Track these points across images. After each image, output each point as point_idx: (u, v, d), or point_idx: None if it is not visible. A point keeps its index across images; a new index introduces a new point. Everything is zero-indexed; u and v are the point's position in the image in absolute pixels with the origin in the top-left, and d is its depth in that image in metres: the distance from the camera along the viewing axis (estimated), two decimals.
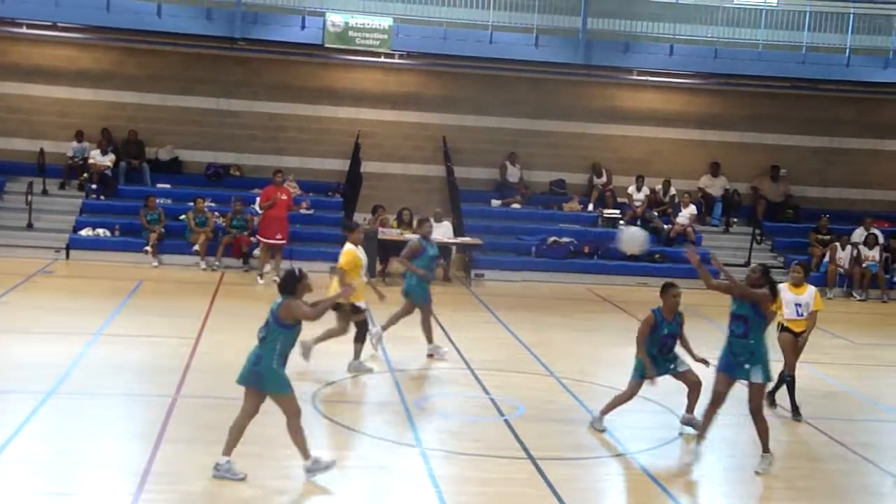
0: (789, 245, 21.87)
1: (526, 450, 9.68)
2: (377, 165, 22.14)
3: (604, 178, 22.61)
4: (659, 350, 10.41)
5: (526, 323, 15.93)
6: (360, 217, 20.80)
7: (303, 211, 20.23)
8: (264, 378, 8.39)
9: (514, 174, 22.50)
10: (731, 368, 9.53)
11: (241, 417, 8.51)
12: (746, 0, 22.30)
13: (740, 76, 21.62)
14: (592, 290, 19.75)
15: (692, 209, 21.94)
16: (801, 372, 13.09)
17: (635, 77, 22.10)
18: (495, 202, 22.20)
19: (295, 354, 9.07)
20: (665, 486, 9.02)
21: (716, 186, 22.76)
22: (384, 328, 13.11)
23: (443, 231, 19.75)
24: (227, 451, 8.44)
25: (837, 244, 20.88)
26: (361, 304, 12.06)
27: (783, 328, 11.48)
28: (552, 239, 20.95)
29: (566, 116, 22.75)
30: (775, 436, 10.81)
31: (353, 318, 12.04)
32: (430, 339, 13.12)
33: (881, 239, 21.14)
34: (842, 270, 20.66)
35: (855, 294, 20.51)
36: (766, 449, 9.46)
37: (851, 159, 23.25)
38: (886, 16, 21.32)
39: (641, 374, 10.33)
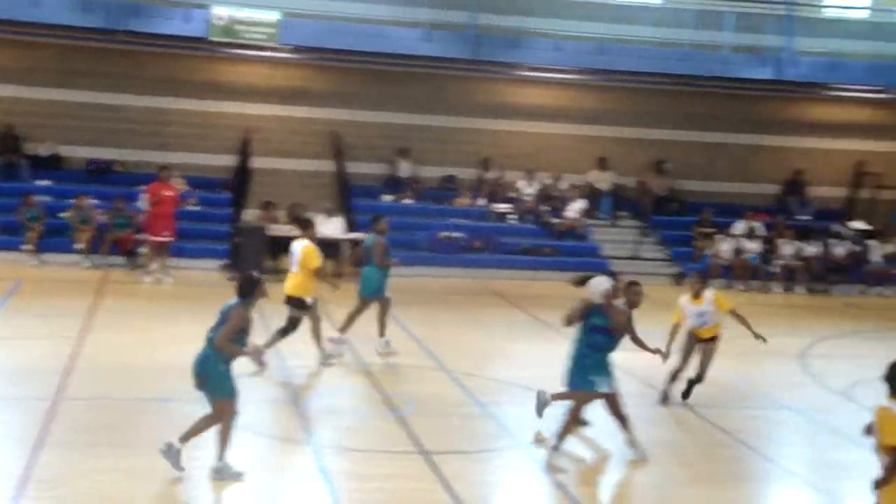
0: (675, 238, 22.38)
1: (419, 445, 9.66)
2: (266, 161, 21.81)
3: (494, 173, 22.76)
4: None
5: (418, 318, 15.92)
6: (250, 213, 20.51)
7: (190, 207, 19.82)
8: (209, 380, 8.28)
9: (405, 169, 22.48)
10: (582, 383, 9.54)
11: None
12: None
13: (626, 72, 22.01)
14: (483, 284, 19.86)
15: (581, 203, 22.26)
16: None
17: (524, 72, 22.30)
18: (386, 197, 22.13)
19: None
20: (558, 479, 9.12)
21: (604, 181, 23.14)
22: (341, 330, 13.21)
23: (333, 227, 19.61)
24: (185, 439, 8.33)
25: (720, 237, 21.47)
26: (309, 300, 12.29)
27: (691, 335, 11.64)
28: (444, 234, 21.01)
29: (457, 111, 22.81)
30: (668, 426, 11.08)
31: (299, 312, 12.24)
32: (382, 333, 13.32)
33: (761, 231, 21.81)
34: (724, 263, 21.25)
35: (736, 285, 21.11)
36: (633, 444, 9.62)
37: (732, 154, 23.91)
38: (765, 15, 21.95)
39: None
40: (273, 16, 20.00)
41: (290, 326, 12.34)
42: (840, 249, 21.81)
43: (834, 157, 23.99)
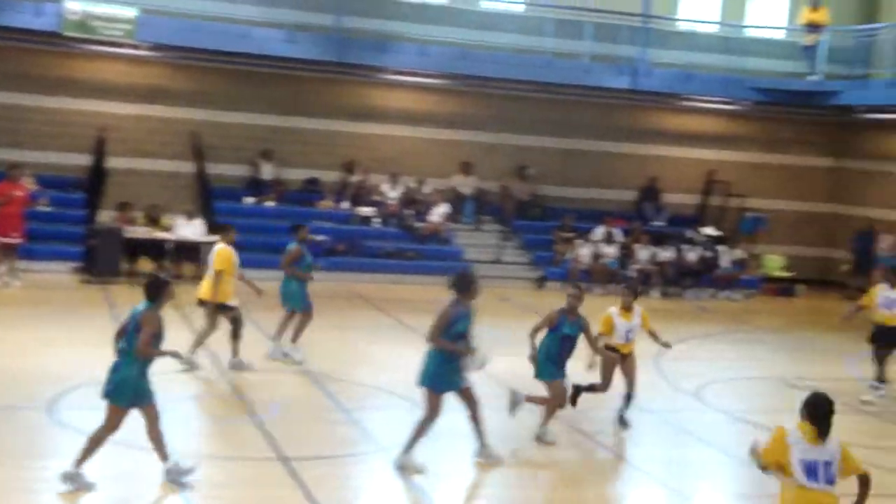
0: (536, 242, 22.78)
1: (279, 451, 9.55)
2: (124, 161, 21.18)
3: (358, 176, 22.71)
4: (559, 353, 10.43)
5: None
6: (106, 214, 19.89)
7: (41, 208, 19.08)
8: (127, 390, 8.20)
9: (267, 171, 22.18)
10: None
11: (148, 426, 8.38)
12: (494, 4, 23.06)
13: (489, 78, 22.28)
14: (347, 287, 19.78)
15: (445, 207, 22.43)
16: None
17: (389, 76, 22.33)
18: (248, 200, 21.79)
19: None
20: (417, 482, 9.15)
21: (467, 185, 23.37)
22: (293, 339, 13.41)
23: (193, 229, 19.21)
24: (162, 456, 8.42)
25: (579, 241, 21.96)
26: (232, 302, 12.61)
27: (610, 348, 11.24)
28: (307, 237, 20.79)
29: (321, 114, 22.65)
30: (516, 426, 11.24)
31: (225, 315, 12.55)
32: (294, 339, 13.48)
33: (619, 237, 22.42)
34: (583, 267, 21.73)
35: (595, 289, 21.61)
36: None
37: (592, 160, 24.49)
38: (621, 26, 22.54)
39: (551, 374, 10.42)
40: (130, 12, 19.44)
41: (235, 328, 12.62)
42: (692, 255, 22.59)
43: (687, 166, 24.86)
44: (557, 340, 10.36)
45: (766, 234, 24.16)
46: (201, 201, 21.03)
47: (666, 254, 22.33)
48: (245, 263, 19.63)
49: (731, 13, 24.26)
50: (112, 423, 8.23)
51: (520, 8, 23.08)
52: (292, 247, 13.68)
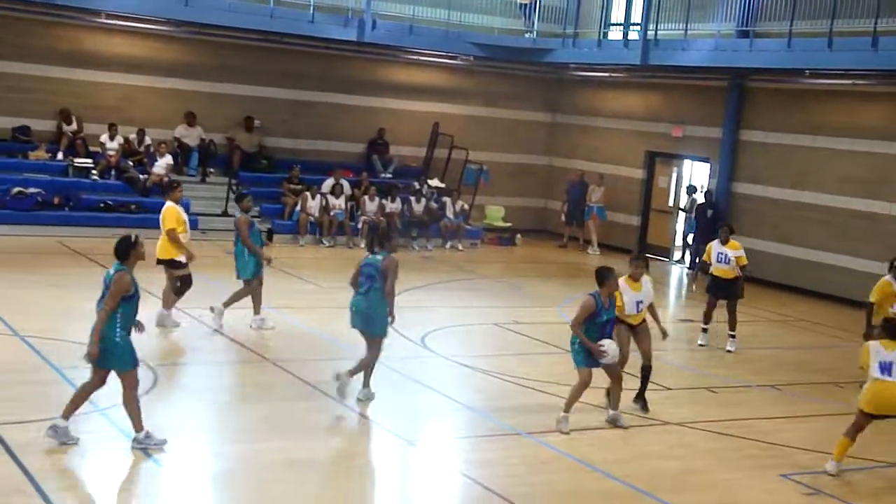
0: (263, 194, 22.47)
1: None
2: None
3: (74, 126, 21.48)
4: (598, 339, 10.10)
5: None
6: None
7: None
8: (108, 354, 8.41)
9: None
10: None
11: (88, 385, 8.69)
12: None
13: (212, 26, 21.64)
14: (63, 242, 18.76)
15: (168, 159, 21.69)
16: (274, 317, 13.68)
17: (104, 20, 21.17)
18: None
19: None
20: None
21: (192, 136, 22.67)
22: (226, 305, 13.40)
23: None
24: (66, 414, 8.55)
25: (308, 193, 21.90)
26: (182, 258, 12.99)
27: (620, 320, 10.83)
28: (17, 189, 19.54)
29: (29, 57, 21.19)
30: (254, 383, 11.18)
31: (175, 273, 12.96)
32: (256, 311, 13.57)
33: (347, 189, 22.55)
34: (312, 219, 21.73)
35: (324, 241, 21.70)
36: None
37: (319, 112, 24.41)
38: None
39: (586, 361, 10.16)
40: None
41: (183, 286, 13.10)
42: (419, 206, 23.11)
43: (413, 119, 25.33)
44: (598, 327, 10.14)
45: (488, 185, 25.09)
46: None
47: (393, 205, 22.72)
48: None
49: None
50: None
51: None
52: (243, 218, 13.47)
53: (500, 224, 25.62)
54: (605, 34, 23.97)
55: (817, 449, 10.39)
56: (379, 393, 10.94)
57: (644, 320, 11.24)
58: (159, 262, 13.11)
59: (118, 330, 8.46)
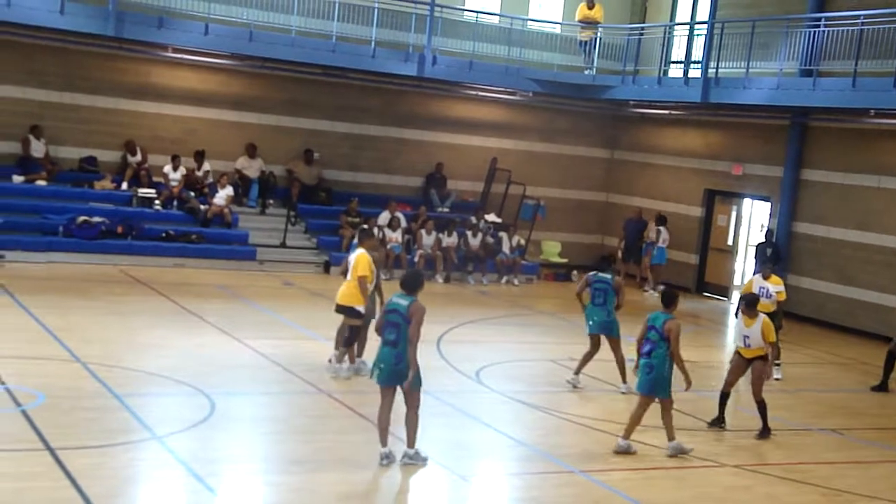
0: (322, 226, 22.69)
1: (44, 440, 9.12)
2: None
3: (138, 157, 21.90)
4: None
5: (50, 307, 15.02)
6: None
7: None
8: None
9: (38, 149, 21.02)
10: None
11: None
12: None
13: (275, 60, 21.98)
14: (125, 271, 19.09)
15: (229, 190, 21.99)
16: (329, 349, 13.75)
17: (170, 54, 21.62)
18: (17, 178, 20.61)
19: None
20: (193, 469, 8.97)
21: (252, 168, 22.98)
22: None
23: None
24: None
25: (366, 225, 22.03)
26: (360, 309, 12.75)
27: (736, 351, 12.38)
28: (82, 218, 19.91)
29: (97, 90, 21.68)
30: (303, 408, 11.22)
31: (351, 321, 12.79)
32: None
33: (403, 222, 22.66)
34: None
35: (381, 274, 21.75)
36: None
37: (378, 146, 24.61)
38: (409, 13, 22.74)
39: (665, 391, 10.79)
40: None
41: (352, 336, 12.96)
42: (475, 241, 23.14)
43: (471, 153, 25.42)
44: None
45: (545, 221, 25.06)
46: None
47: (450, 239, 22.77)
48: (14, 245, 18.78)
49: (513, 6, 24.93)
50: None
51: None
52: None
53: (557, 260, 25.52)
54: (666, 72, 23.90)
55: (878, 496, 10.15)
56: (432, 427, 10.89)
57: (754, 358, 11.99)
58: (339, 308, 12.91)
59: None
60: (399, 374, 9.57)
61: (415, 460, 9.73)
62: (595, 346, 13.61)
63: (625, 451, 10.67)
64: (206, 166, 22.32)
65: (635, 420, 10.78)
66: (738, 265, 24.40)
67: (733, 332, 12.23)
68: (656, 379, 10.66)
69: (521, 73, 23.42)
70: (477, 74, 23.19)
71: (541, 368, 14.76)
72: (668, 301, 11.04)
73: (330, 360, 13.42)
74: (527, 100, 24.95)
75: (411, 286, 9.80)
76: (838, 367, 17.02)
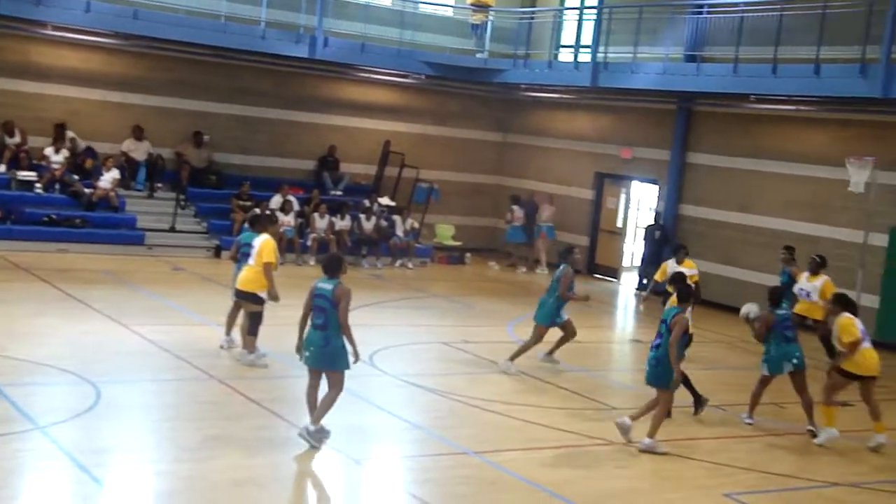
0: (212, 210, 22.32)
1: None
2: None
3: (17, 138, 21.14)
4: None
5: None
6: None
7: None
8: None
9: None
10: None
11: None
12: None
13: (162, 40, 21.47)
14: (5, 257, 18.45)
15: (115, 173, 21.42)
16: (219, 334, 13.55)
17: (50, 32, 20.90)
18: None
19: None
20: (78, 460, 8.76)
21: (139, 150, 22.42)
22: None
23: None
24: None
25: (257, 210, 21.75)
26: (263, 295, 12.53)
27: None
28: None
29: None
30: (192, 395, 11.06)
31: (253, 308, 12.57)
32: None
33: (296, 206, 22.44)
34: None
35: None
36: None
37: (270, 128, 24.28)
38: None
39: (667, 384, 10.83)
40: None
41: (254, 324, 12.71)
42: (369, 224, 23.07)
43: (364, 136, 25.30)
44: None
45: (438, 204, 25.13)
46: None
47: (343, 223, 22.65)
48: None
49: None
50: None
51: None
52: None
53: (450, 243, 25.66)
54: (556, 56, 24.19)
55: (756, 468, 10.53)
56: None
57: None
58: (240, 294, 12.72)
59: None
60: (326, 356, 9.73)
61: (313, 438, 9.74)
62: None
63: (651, 450, 10.65)
64: (81, 145, 21.59)
65: (659, 417, 10.82)
66: (627, 247, 24.95)
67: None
68: (663, 372, 10.70)
69: (414, 56, 23.39)
70: (369, 57, 23.06)
71: (435, 351, 14.84)
72: (682, 297, 11.12)
73: (222, 346, 13.26)
74: (419, 83, 24.95)
75: (333, 269, 9.88)
76: (723, 345, 17.55)
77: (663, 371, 10.73)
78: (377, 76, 24.60)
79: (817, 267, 15.33)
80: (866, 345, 11.52)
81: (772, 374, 12.15)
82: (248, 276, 12.63)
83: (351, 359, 9.85)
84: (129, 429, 9.95)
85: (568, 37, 24.94)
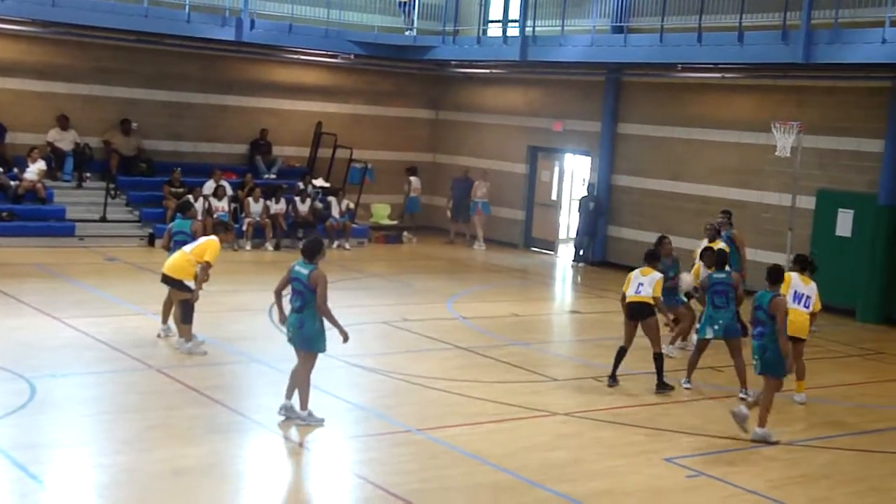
0: (143, 198, 22.00)
1: None
2: None
3: None
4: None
5: None
6: None
7: None
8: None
9: None
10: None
11: None
12: None
13: (82, 26, 21.01)
14: None
15: (41, 164, 20.99)
16: (154, 323, 13.40)
17: None
18: None
19: None
20: (13, 457, 8.61)
21: (65, 140, 21.98)
22: None
23: None
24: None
25: (189, 196, 21.48)
26: (191, 284, 12.46)
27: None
28: None
29: None
30: (135, 387, 10.92)
31: (181, 295, 12.45)
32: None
33: (229, 190, 22.20)
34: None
35: None
36: None
37: (199, 113, 23.96)
38: None
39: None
40: None
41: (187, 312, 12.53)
42: (304, 206, 22.92)
43: (296, 118, 25.10)
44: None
45: (373, 184, 25.05)
46: None
47: (278, 206, 22.47)
48: None
49: None
50: None
51: None
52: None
53: (387, 222, 25.61)
54: (485, 31, 24.19)
55: (694, 431, 10.72)
56: (265, 395, 10.85)
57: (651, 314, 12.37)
58: (168, 279, 12.55)
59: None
60: (301, 337, 10.05)
61: (307, 421, 10.06)
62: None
63: (764, 440, 10.48)
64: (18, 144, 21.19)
65: (766, 405, 10.55)
66: (562, 219, 25.14)
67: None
68: (771, 359, 10.41)
69: (342, 36, 23.21)
70: (297, 38, 22.83)
71: (375, 331, 14.82)
72: (774, 278, 10.62)
73: (159, 335, 13.12)
74: (349, 63, 24.79)
75: (311, 253, 10.10)
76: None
77: (771, 358, 10.42)
78: (306, 57, 24.38)
79: (716, 234, 15.21)
80: (795, 306, 11.75)
81: (699, 337, 12.35)
82: (177, 263, 12.50)
83: (340, 338, 10.14)
84: (65, 423, 9.80)
85: (496, 11, 24.94)
